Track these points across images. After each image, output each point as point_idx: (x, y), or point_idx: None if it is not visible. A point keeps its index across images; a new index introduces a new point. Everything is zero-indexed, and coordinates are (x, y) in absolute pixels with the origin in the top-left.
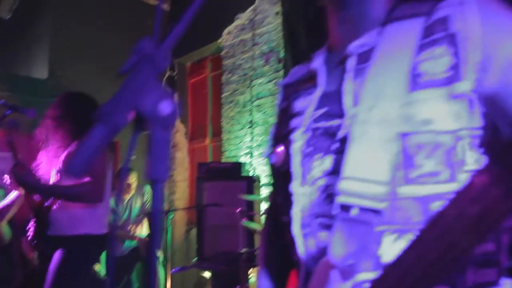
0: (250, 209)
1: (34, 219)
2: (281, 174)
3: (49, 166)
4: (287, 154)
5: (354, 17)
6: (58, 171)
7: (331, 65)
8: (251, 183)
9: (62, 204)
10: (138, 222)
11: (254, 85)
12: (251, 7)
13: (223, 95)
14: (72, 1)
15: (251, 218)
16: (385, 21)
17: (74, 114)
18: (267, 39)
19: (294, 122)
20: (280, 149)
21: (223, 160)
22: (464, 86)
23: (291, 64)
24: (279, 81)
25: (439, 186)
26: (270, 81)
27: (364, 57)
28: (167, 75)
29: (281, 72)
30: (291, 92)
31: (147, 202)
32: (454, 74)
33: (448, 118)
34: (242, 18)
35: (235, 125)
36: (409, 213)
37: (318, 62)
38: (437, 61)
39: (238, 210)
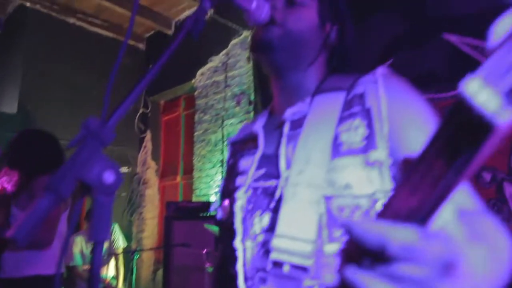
0: (217, 250)
1: None
2: (226, 228)
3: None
4: (231, 211)
5: (290, 87)
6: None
7: (271, 128)
8: None
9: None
10: (103, 262)
11: (226, 125)
12: (224, 51)
13: (195, 134)
14: (46, 38)
15: None
16: (315, 92)
17: (28, 154)
18: (238, 81)
19: (238, 180)
20: (226, 204)
21: (194, 198)
22: (378, 154)
23: (261, 106)
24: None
25: None
26: (241, 121)
27: (296, 124)
28: (140, 111)
29: (252, 114)
30: (237, 150)
31: (114, 241)
32: (369, 144)
33: (365, 182)
34: (215, 61)
35: (206, 163)
36: (333, 269)
37: (259, 125)
38: (355, 132)
39: (205, 251)
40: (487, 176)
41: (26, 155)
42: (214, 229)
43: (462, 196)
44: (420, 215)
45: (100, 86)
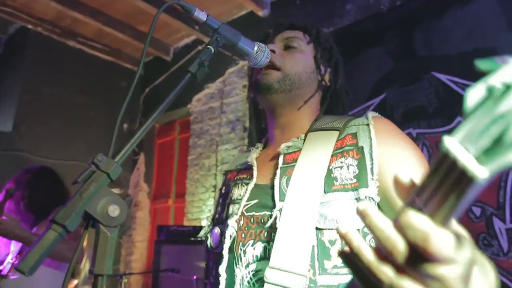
0: (207, 277)
1: None
2: (215, 255)
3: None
4: (222, 237)
5: (286, 124)
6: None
7: (265, 160)
8: None
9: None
10: (86, 284)
11: (220, 150)
12: (221, 78)
13: (189, 158)
14: (45, 60)
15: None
16: (309, 130)
17: (33, 201)
18: (234, 108)
19: (231, 209)
20: (217, 231)
21: (186, 222)
22: (368, 191)
23: (256, 133)
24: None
25: (348, 276)
26: (235, 147)
27: (291, 158)
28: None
29: (246, 140)
30: (230, 178)
31: None
32: (360, 181)
33: (355, 217)
34: (212, 88)
35: (199, 187)
36: None
37: (253, 157)
38: (347, 169)
39: (195, 278)
40: (476, 211)
41: (30, 195)
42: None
43: None
44: None
45: (96, 109)
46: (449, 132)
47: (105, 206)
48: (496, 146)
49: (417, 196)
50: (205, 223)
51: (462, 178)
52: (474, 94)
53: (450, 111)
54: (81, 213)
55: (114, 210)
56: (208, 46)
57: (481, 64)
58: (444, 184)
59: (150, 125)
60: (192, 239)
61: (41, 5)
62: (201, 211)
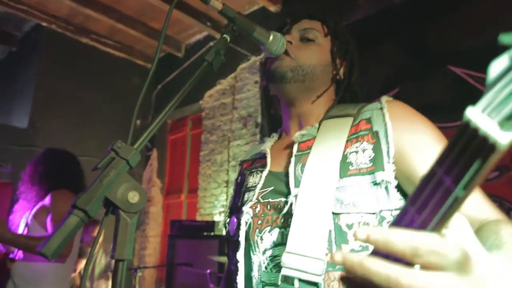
0: (220, 271)
1: None
2: (233, 243)
3: (20, 218)
4: (238, 225)
5: (300, 114)
6: (26, 225)
7: (279, 149)
8: (224, 242)
9: (26, 257)
10: (102, 278)
11: (232, 146)
12: (232, 74)
13: (201, 153)
14: (59, 57)
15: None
16: (323, 118)
17: (50, 170)
18: (246, 104)
19: (246, 196)
20: (234, 219)
21: (198, 217)
22: (385, 175)
23: (267, 128)
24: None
25: None
26: (247, 143)
27: (305, 145)
28: None
29: (258, 136)
30: (245, 168)
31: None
32: (376, 165)
33: (372, 201)
34: (223, 84)
35: (211, 183)
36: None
37: (267, 145)
38: (362, 154)
39: (208, 272)
40: None
41: (48, 172)
42: (218, 258)
43: (477, 206)
44: (430, 228)
45: (109, 104)
46: None
47: (125, 192)
48: None
49: (438, 166)
50: (217, 218)
51: (484, 145)
52: (497, 66)
53: (466, 105)
54: (102, 199)
55: (133, 196)
56: (224, 35)
57: (504, 38)
58: (466, 153)
59: (168, 114)
60: (205, 233)
61: (55, 2)
62: (213, 206)
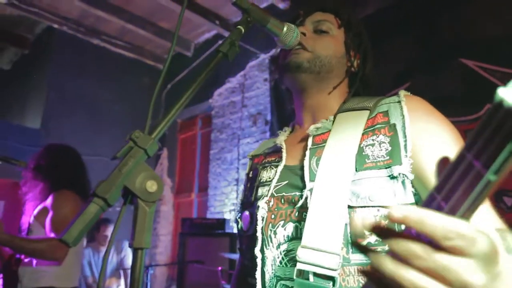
0: (231, 268)
1: (2, 274)
2: (247, 238)
3: (26, 218)
4: (253, 220)
5: (315, 106)
6: (29, 225)
7: (293, 142)
8: (235, 240)
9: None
10: (113, 276)
11: (242, 144)
12: (241, 72)
13: (211, 152)
14: (71, 58)
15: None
16: (338, 111)
17: (52, 167)
18: (255, 102)
19: (260, 191)
20: (247, 214)
21: (208, 215)
22: (402, 169)
23: (277, 126)
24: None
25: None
26: (257, 141)
27: (320, 139)
28: None
29: (267, 134)
30: (258, 162)
31: (125, 257)
32: (393, 159)
33: (388, 195)
34: (233, 82)
35: (221, 181)
36: (358, 277)
37: (281, 139)
38: (379, 147)
39: (219, 269)
40: (508, 201)
41: (51, 168)
42: (229, 255)
43: (490, 215)
44: (459, 215)
45: (120, 104)
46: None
47: (143, 182)
48: None
49: (467, 151)
50: (228, 216)
51: None
52: None
53: (479, 98)
54: (121, 188)
55: (152, 186)
56: (239, 26)
57: None
58: (498, 134)
59: (185, 103)
60: (216, 231)
61: (66, 4)
62: (223, 205)
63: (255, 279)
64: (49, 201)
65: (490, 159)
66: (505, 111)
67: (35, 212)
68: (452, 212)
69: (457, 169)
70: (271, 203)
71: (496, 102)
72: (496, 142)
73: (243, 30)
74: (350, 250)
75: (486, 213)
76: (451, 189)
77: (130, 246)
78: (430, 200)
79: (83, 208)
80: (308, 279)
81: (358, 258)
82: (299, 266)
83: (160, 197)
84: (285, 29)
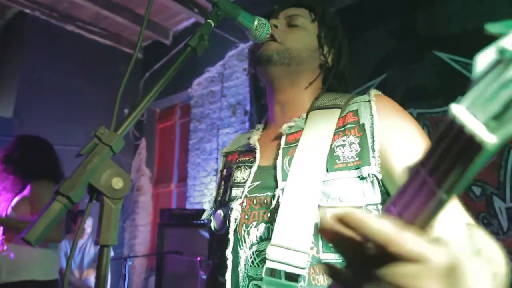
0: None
1: None
2: (219, 237)
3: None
4: (226, 220)
5: (287, 101)
6: (6, 216)
7: (267, 141)
8: None
9: (10, 248)
10: (91, 268)
11: (221, 134)
12: (221, 62)
13: (190, 142)
14: (44, 45)
15: None
16: (310, 108)
17: (24, 159)
18: (234, 92)
19: (234, 192)
20: (220, 213)
21: (188, 205)
22: (371, 169)
23: (256, 116)
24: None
25: None
26: (236, 131)
27: (293, 138)
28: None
29: (247, 124)
30: (232, 160)
31: None
32: (362, 159)
33: (358, 195)
34: (212, 71)
35: (200, 171)
36: (327, 276)
37: (255, 138)
38: (349, 147)
39: (198, 259)
40: (477, 190)
41: (23, 160)
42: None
43: (457, 211)
44: (414, 227)
45: (96, 93)
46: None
47: (109, 179)
48: (506, 111)
49: (422, 166)
50: (207, 206)
51: (470, 146)
52: (483, 59)
53: (452, 90)
54: (85, 185)
55: (117, 182)
56: (208, 20)
57: (492, 27)
58: (450, 152)
59: (151, 100)
60: (195, 221)
61: None
62: (203, 195)
63: (225, 279)
64: (27, 192)
65: (443, 178)
66: (457, 129)
67: (13, 203)
68: (413, 221)
69: (413, 182)
70: (244, 204)
71: (449, 119)
72: (448, 160)
73: (213, 24)
74: (321, 250)
75: (453, 208)
76: (407, 203)
77: (96, 243)
78: (388, 212)
79: (46, 206)
80: (277, 277)
81: (328, 257)
82: (268, 264)
83: (125, 195)
84: (256, 22)
